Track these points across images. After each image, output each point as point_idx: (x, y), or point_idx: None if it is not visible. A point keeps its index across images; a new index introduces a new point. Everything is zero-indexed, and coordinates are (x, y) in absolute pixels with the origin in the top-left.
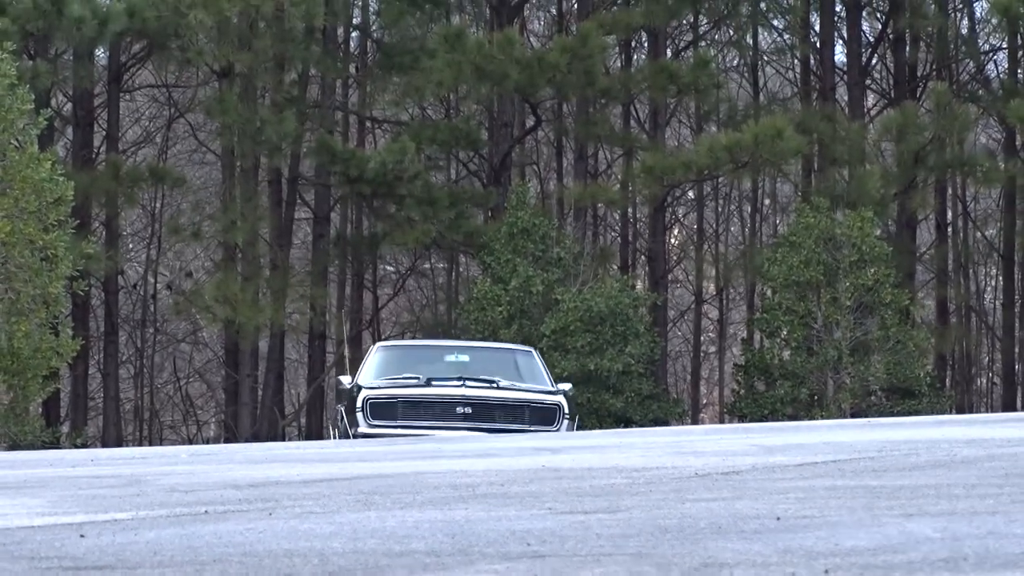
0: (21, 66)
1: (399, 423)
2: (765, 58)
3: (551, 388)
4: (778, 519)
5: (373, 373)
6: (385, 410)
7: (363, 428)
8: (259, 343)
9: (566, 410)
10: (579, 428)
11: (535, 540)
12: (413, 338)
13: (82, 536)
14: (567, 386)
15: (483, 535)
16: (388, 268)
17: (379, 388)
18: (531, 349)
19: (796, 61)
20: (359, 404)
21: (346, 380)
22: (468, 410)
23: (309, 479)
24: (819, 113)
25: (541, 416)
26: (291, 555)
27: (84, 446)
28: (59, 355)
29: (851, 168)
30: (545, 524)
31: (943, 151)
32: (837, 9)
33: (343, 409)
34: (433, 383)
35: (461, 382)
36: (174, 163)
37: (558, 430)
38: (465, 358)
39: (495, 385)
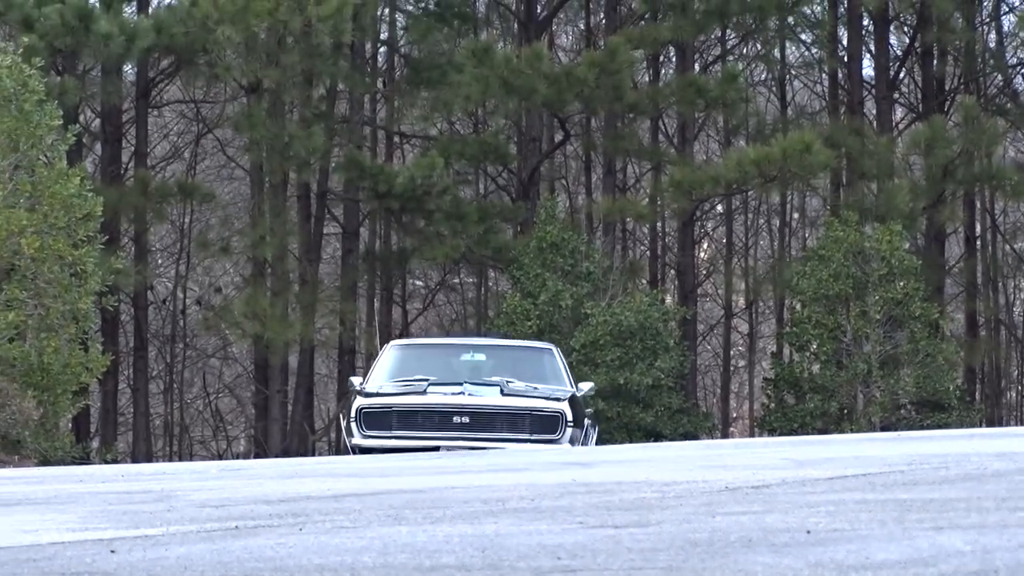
0: (49, 82)
1: (394, 434)
2: (793, 72)
3: (566, 389)
4: (808, 533)
5: (383, 374)
6: (380, 420)
7: (357, 439)
8: (289, 358)
9: (569, 418)
10: (608, 442)
11: (566, 554)
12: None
13: (112, 552)
14: (588, 385)
15: (514, 549)
16: (417, 283)
17: (374, 396)
18: (551, 347)
19: (824, 75)
20: (354, 413)
21: (358, 381)
22: (466, 420)
23: (339, 494)
24: (847, 127)
25: (542, 424)
26: (322, 570)
27: (114, 462)
28: (89, 371)
29: (880, 182)
30: (576, 538)
31: (971, 164)
32: (865, 23)
33: (341, 417)
34: (432, 389)
35: (462, 388)
36: (203, 178)
37: (560, 439)
38: (481, 357)
39: (500, 389)
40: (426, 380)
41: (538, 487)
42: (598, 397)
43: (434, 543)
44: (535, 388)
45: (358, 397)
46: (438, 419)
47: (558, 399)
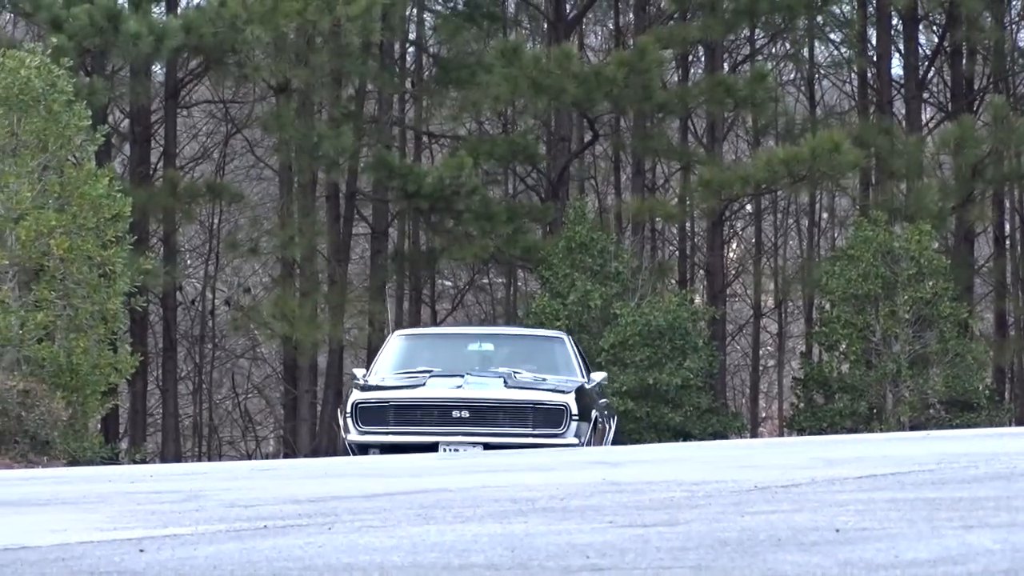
0: (78, 82)
1: (391, 430)
2: (822, 71)
3: (575, 380)
4: (838, 531)
5: (387, 366)
6: (376, 415)
7: (353, 436)
8: (317, 359)
9: (574, 411)
10: (637, 442)
11: (595, 553)
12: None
13: (141, 551)
14: (600, 376)
15: (543, 549)
16: (446, 283)
17: (372, 390)
18: (563, 335)
19: (853, 74)
20: (349, 409)
21: (361, 373)
22: (465, 414)
23: (369, 494)
24: (876, 126)
25: (546, 419)
26: (351, 569)
27: (143, 462)
28: (118, 371)
29: (909, 181)
30: (605, 537)
31: (1001, 164)
32: (894, 22)
33: (339, 412)
34: (433, 382)
35: (462, 381)
36: (231, 179)
37: (564, 434)
38: (489, 347)
39: (504, 381)
40: (428, 372)
41: (567, 486)
42: (627, 397)
43: (463, 542)
44: (543, 379)
45: (355, 391)
46: (437, 414)
47: (563, 391)
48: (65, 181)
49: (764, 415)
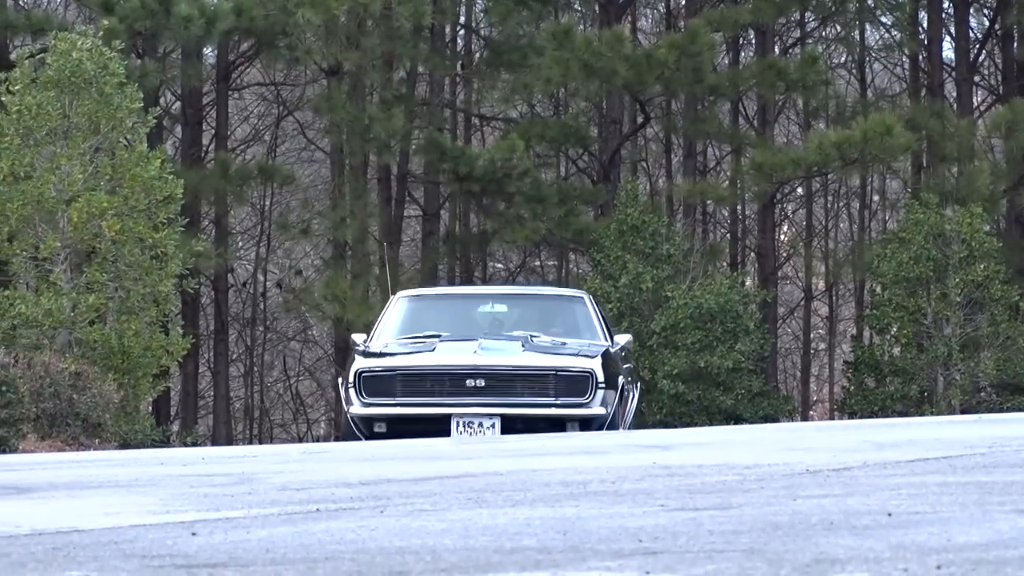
0: (130, 65)
1: (398, 401)
2: (873, 55)
3: (599, 344)
4: (890, 515)
5: (390, 331)
6: (382, 385)
7: (356, 408)
8: None
9: (600, 378)
10: (689, 425)
11: (647, 537)
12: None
13: (194, 534)
14: (625, 338)
15: (595, 532)
16: (498, 265)
17: (376, 357)
18: (583, 294)
19: (904, 57)
20: (351, 378)
21: (361, 339)
22: (481, 383)
23: (420, 477)
24: (928, 110)
25: (569, 387)
26: (403, 552)
27: (194, 445)
28: (169, 354)
29: (960, 164)
30: (657, 521)
31: None
32: (945, 5)
33: (340, 382)
34: (444, 346)
35: (476, 345)
36: (283, 161)
37: (590, 403)
38: (502, 308)
39: (522, 345)
40: (436, 336)
41: (619, 470)
42: (678, 380)
43: (515, 526)
44: (563, 343)
45: (357, 358)
46: (448, 382)
47: (588, 356)
48: (117, 163)
49: (815, 398)
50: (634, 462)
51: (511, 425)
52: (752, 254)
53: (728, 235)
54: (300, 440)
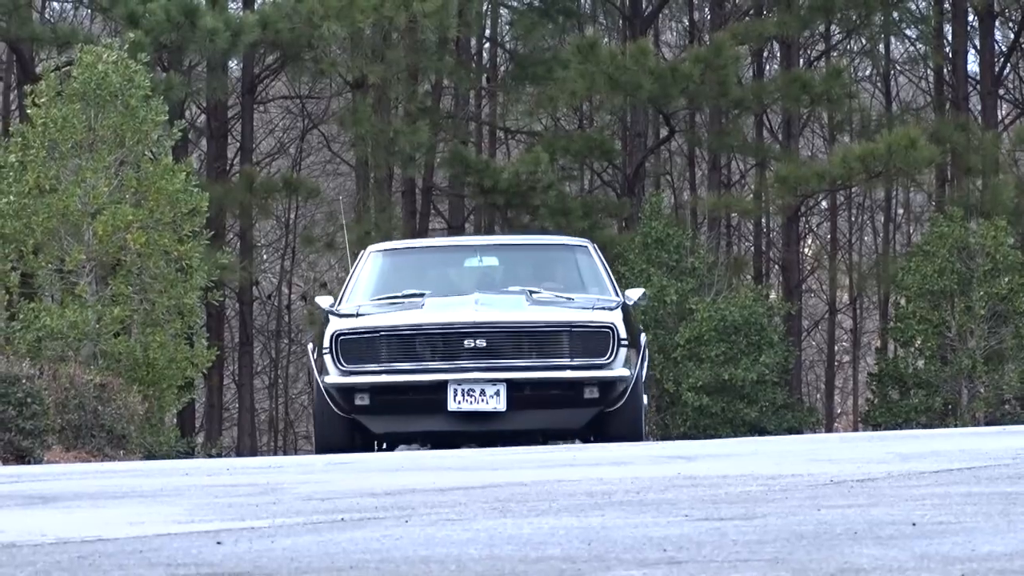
0: (155, 78)
1: (384, 367)
2: (898, 68)
3: (610, 298)
4: (914, 525)
5: (362, 291)
6: (363, 349)
7: (333, 377)
8: None
9: (622, 335)
10: (713, 437)
11: (671, 546)
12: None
13: (219, 543)
14: (637, 292)
15: (619, 541)
16: None
17: (356, 316)
18: (586, 242)
19: (929, 71)
20: (327, 342)
21: (327, 301)
22: (481, 343)
23: (445, 487)
24: (952, 123)
25: (587, 345)
26: (427, 561)
27: (219, 456)
28: (194, 365)
29: (984, 177)
30: (681, 530)
31: None
32: (970, 19)
33: (311, 349)
34: (434, 302)
35: (473, 299)
36: (308, 174)
37: (611, 363)
38: (493, 261)
39: (527, 297)
40: (422, 294)
41: (643, 480)
42: (702, 392)
43: (540, 535)
44: (570, 299)
45: (331, 319)
46: (443, 344)
47: (607, 308)
48: (142, 176)
49: (839, 411)
50: (658, 472)
51: (518, 392)
52: (776, 267)
53: (752, 248)
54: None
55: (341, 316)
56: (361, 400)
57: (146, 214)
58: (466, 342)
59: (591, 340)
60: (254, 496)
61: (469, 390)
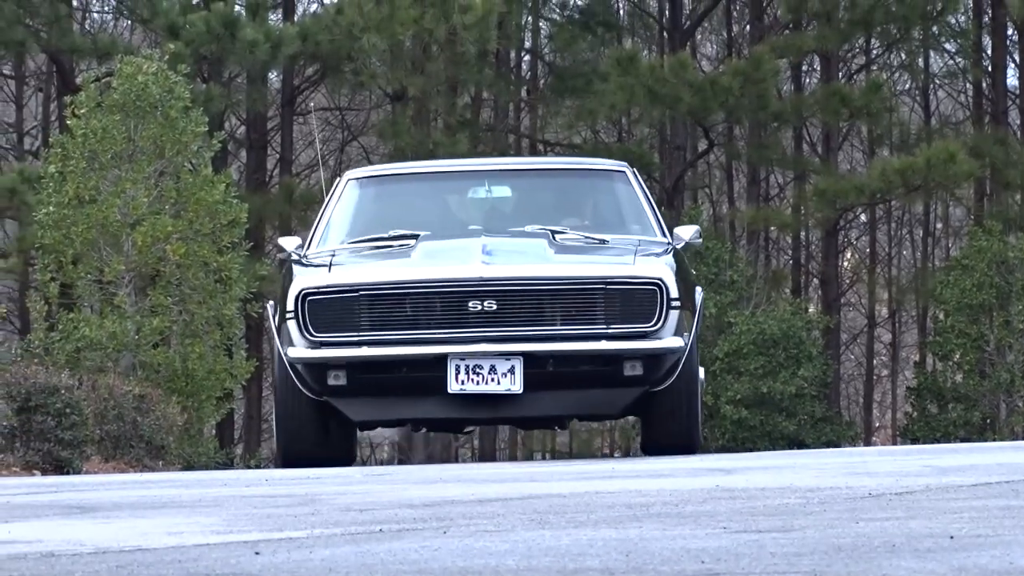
0: (195, 89)
1: (363, 336)
2: (937, 81)
3: (659, 240)
4: (952, 538)
5: (338, 231)
6: (339, 313)
7: (298, 350)
8: None
9: (673, 293)
10: (751, 450)
11: (709, 558)
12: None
13: (257, 553)
14: (691, 231)
15: (657, 553)
16: None
17: (329, 269)
18: (623, 166)
19: (968, 85)
20: (291, 303)
21: (293, 243)
22: (491, 305)
23: (483, 499)
24: (991, 137)
25: (628, 307)
26: (465, 572)
27: (258, 467)
28: (233, 376)
29: None
30: (719, 543)
31: None
32: (1009, 32)
33: (271, 310)
34: (427, 249)
35: (480, 246)
36: None
37: (659, 331)
38: (504, 191)
39: (549, 241)
40: (414, 236)
41: (682, 492)
42: (741, 405)
43: (578, 547)
44: (603, 241)
45: (296, 273)
46: (440, 306)
47: (653, 255)
48: (182, 187)
49: (878, 424)
50: (696, 485)
51: (538, 368)
52: (815, 280)
53: (791, 261)
54: (363, 463)
55: (308, 267)
56: (335, 379)
57: (185, 225)
58: (471, 304)
59: (633, 300)
60: (292, 507)
61: (475, 367)
